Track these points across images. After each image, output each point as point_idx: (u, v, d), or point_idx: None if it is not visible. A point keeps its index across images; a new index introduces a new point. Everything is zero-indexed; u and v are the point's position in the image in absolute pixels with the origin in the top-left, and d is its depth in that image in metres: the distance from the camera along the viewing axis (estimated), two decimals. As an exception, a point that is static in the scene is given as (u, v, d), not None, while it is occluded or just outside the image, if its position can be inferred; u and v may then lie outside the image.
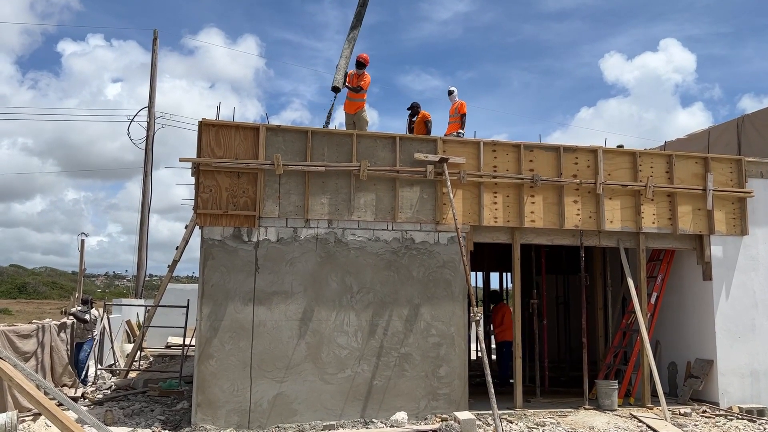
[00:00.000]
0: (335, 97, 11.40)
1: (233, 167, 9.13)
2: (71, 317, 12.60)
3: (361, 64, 11.39)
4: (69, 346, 12.22)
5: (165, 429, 8.76)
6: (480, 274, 17.39)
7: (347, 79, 11.46)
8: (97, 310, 13.71)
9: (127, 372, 13.68)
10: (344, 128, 11.71)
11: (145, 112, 23.42)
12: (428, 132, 12.65)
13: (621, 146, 12.35)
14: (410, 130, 12.80)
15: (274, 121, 11.61)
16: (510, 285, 18.02)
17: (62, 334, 12.06)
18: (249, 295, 9.03)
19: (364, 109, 11.55)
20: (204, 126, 9.20)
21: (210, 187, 9.11)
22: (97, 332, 13.22)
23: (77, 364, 12.39)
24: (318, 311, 9.25)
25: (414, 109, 13.03)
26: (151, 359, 17.11)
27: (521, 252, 12.64)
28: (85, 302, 13.16)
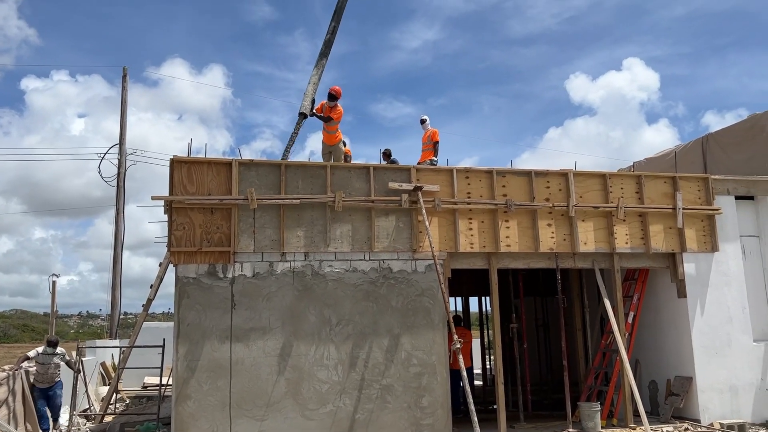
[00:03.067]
0: (299, 122, 11.38)
1: (206, 203, 9.06)
2: (30, 363, 12.04)
3: (332, 97, 11.42)
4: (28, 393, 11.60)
5: (143, 475, 8.50)
6: (459, 300, 17.38)
7: (320, 110, 11.49)
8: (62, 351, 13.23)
9: (103, 416, 13.28)
10: (320, 158, 11.75)
11: (115, 149, 23.32)
12: (436, 152, 12.81)
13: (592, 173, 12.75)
14: None
15: (245, 152, 11.67)
16: (490, 309, 18.11)
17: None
18: (226, 333, 8.89)
19: (342, 141, 11.55)
20: (175, 163, 9.14)
21: (183, 224, 9.01)
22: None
23: (52, 410, 11.93)
24: (297, 346, 9.13)
25: (387, 155, 13.45)
26: (128, 401, 16.68)
27: (499, 276, 12.76)
28: (52, 343, 12.61)
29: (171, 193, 9.06)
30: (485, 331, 17.63)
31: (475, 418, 8.16)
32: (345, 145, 13.59)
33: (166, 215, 9.21)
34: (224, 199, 9.06)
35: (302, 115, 11.32)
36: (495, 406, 13.10)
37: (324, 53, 11.92)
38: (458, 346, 8.85)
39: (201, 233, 9.04)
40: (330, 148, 11.57)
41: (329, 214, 9.53)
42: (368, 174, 9.82)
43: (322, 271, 9.43)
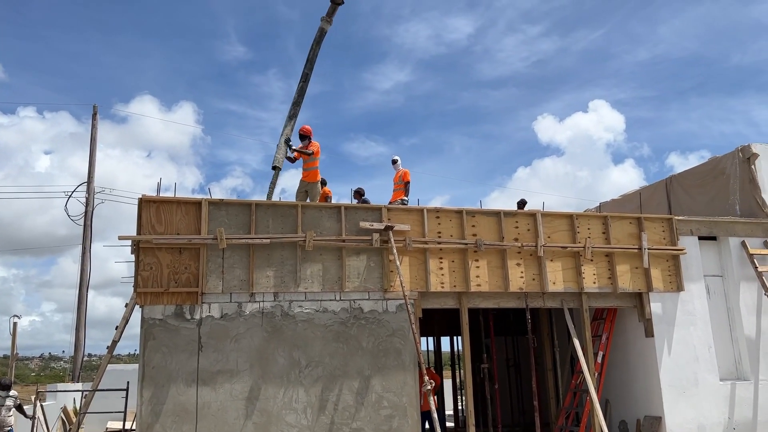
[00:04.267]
0: (275, 176, 11.36)
1: (175, 243, 8.96)
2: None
3: (303, 136, 11.46)
4: None
5: None
6: (431, 339, 17.32)
7: (299, 151, 11.43)
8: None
9: (61, 464, 12.76)
10: (294, 197, 11.67)
11: (83, 188, 22.99)
12: (407, 192, 12.82)
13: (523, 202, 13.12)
14: None
15: (216, 189, 11.58)
16: (461, 349, 18.05)
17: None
18: (192, 376, 8.69)
19: (318, 181, 11.41)
20: (144, 203, 9.05)
21: (150, 264, 8.88)
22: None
23: None
24: (265, 389, 8.96)
25: (359, 194, 13.49)
26: (89, 447, 16.08)
27: (469, 316, 12.76)
28: (3, 386, 12.04)
29: (139, 232, 8.95)
30: (457, 372, 17.56)
31: (446, 462, 8.04)
32: (325, 184, 13.54)
33: (133, 255, 9.07)
34: (193, 238, 8.98)
35: (276, 168, 11.30)
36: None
37: (297, 101, 11.87)
38: (428, 387, 8.79)
39: (168, 273, 8.91)
40: (307, 186, 11.46)
41: (300, 253, 9.49)
42: (339, 213, 9.84)
43: (291, 311, 9.34)
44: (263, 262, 9.33)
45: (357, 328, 9.58)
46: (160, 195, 9.32)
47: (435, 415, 8.67)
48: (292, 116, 11.55)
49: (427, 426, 10.78)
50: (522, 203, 13.58)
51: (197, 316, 8.91)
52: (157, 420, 8.43)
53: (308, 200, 11.10)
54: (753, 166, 12.43)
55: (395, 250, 9.63)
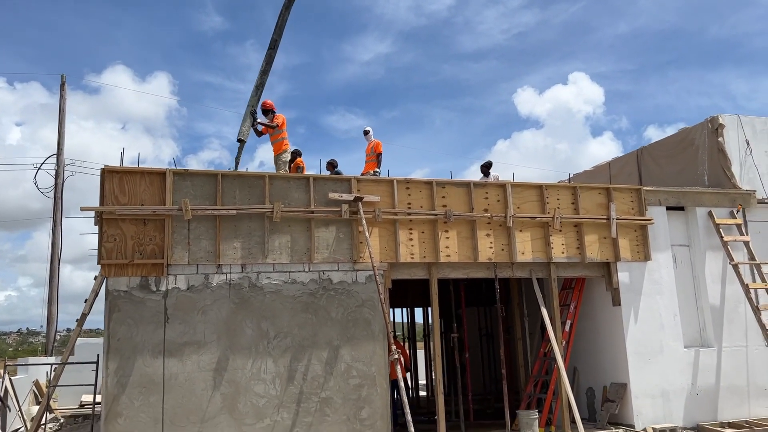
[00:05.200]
0: (239, 149, 11.23)
1: (139, 214, 8.82)
2: None
3: (266, 111, 11.32)
4: None
5: (69, 498, 8.15)
6: (405, 311, 17.42)
7: (264, 125, 11.31)
8: None
9: (32, 437, 12.69)
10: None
11: (52, 160, 22.54)
12: (379, 163, 12.79)
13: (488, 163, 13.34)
14: None
15: (192, 162, 11.40)
16: (440, 320, 18.18)
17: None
18: (159, 348, 8.64)
19: (287, 151, 11.35)
20: (107, 173, 8.88)
21: (114, 236, 8.75)
22: None
23: None
24: (233, 360, 8.95)
25: (332, 165, 13.37)
26: (62, 421, 16.03)
27: (441, 286, 12.80)
28: None
29: (102, 203, 8.79)
30: (430, 342, 17.72)
31: (412, 429, 8.14)
32: (299, 155, 13.40)
33: (97, 227, 8.92)
34: (157, 209, 8.84)
35: (241, 141, 11.15)
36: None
37: (264, 70, 11.61)
38: (395, 357, 8.84)
39: (133, 245, 8.79)
40: (276, 159, 11.42)
41: (267, 224, 9.41)
42: (308, 184, 9.76)
43: (259, 283, 9.29)
44: (230, 233, 9.24)
45: (326, 299, 9.57)
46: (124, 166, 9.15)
47: (402, 384, 8.74)
48: (259, 86, 11.34)
49: (400, 396, 10.88)
50: (487, 165, 13.48)
51: (163, 288, 8.83)
52: (124, 391, 8.39)
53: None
54: (721, 138, 12.53)
55: (364, 222, 9.60)
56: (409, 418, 8.23)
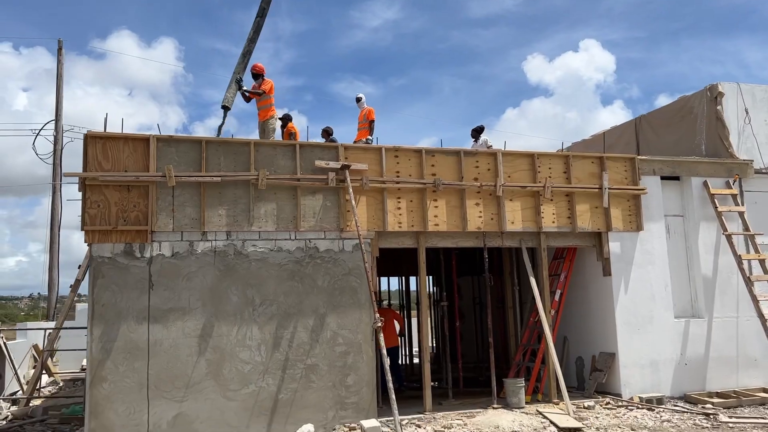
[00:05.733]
0: (225, 115, 11.12)
1: (122, 180, 8.76)
2: None
3: (256, 75, 11.20)
4: None
5: (56, 459, 8.29)
6: (401, 279, 17.44)
7: (251, 92, 11.18)
8: None
9: (28, 400, 12.93)
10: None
11: (52, 126, 22.47)
12: (371, 131, 12.74)
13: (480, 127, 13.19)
14: None
15: (199, 129, 11.36)
16: (432, 288, 18.25)
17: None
18: (143, 314, 8.67)
19: (274, 117, 11.27)
20: (89, 138, 8.80)
21: (98, 202, 8.71)
22: None
23: None
24: (218, 327, 8.98)
25: (327, 133, 13.26)
26: (61, 384, 16.30)
27: (435, 255, 12.78)
28: None
29: (85, 169, 8.73)
30: (430, 311, 17.81)
31: (393, 396, 8.20)
32: (290, 120, 13.33)
33: (81, 193, 8.88)
34: (141, 176, 8.78)
35: (225, 108, 11.03)
36: (434, 383, 13.28)
37: (252, 38, 11.36)
38: (378, 324, 8.85)
39: (117, 211, 8.75)
40: (263, 125, 11.33)
41: (253, 192, 9.34)
42: (294, 151, 9.66)
43: (245, 250, 9.27)
44: (215, 200, 9.19)
45: (312, 267, 9.55)
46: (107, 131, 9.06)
47: (384, 352, 8.77)
48: (246, 54, 11.17)
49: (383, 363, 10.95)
50: (478, 129, 13.32)
51: (147, 255, 8.82)
52: (108, 357, 8.45)
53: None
54: (720, 106, 12.28)
55: (351, 190, 9.51)
56: (390, 385, 8.27)
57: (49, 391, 15.27)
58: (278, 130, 11.94)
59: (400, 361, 14.48)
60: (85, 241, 8.70)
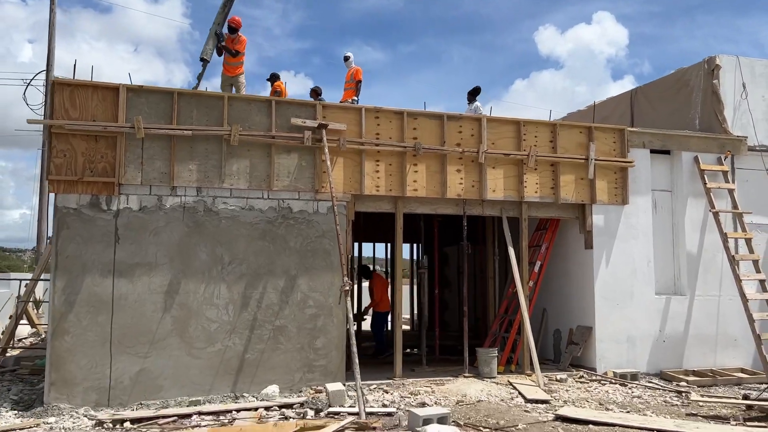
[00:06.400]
0: (203, 68, 10.82)
1: (89, 130, 8.52)
2: None
3: (233, 29, 10.88)
4: None
5: (16, 409, 8.23)
6: (386, 246, 17.26)
7: (226, 44, 10.89)
8: None
9: (4, 350, 12.91)
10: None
11: (43, 76, 22.09)
12: (358, 92, 12.45)
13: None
14: None
15: (204, 86, 11.07)
16: (419, 256, 18.09)
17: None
18: (108, 267, 8.52)
19: (243, 73, 11.04)
20: (57, 85, 8.54)
21: (64, 151, 8.49)
22: None
23: None
24: (185, 284, 8.83)
25: (316, 93, 12.93)
26: (43, 335, 16.31)
27: (418, 223, 12.58)
28: None
29: (51, 117, 8.49)
30: (414, 278, 17.70)
31: (356, 360, 8.07)
32: (278, 78, 13.05)
33: (47, 142, 8.65)
34: (108, 126, 8.53)
35: (204, 61, 10.74)
36: (415, 350, 13.25)
37: None
38: (346, 288, 8.70)
39: (83, 162, 8.53)
40: (231, 80, 11.04)
41: (225, 148, 9.10)
42: (269, 107, 9.37)
43: (215, 207, 9.07)
44: (186, 155, 8.95)
45: (285, 228, 9.36)
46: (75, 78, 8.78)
47: (351, 316, 8.63)
48: (225, 4, 10.79)
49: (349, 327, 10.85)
50: (474, 91, 12.91)
51: (114, 208, 8.62)
52: (71, 310, 8.32)
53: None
54: (716, 80, 11.88)
55: (327, 150, 9.26)
56: (354, 349, 8.16)
57: (31, 342, 15.29)
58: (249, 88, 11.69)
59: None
60: (50, 191, 8.51)
